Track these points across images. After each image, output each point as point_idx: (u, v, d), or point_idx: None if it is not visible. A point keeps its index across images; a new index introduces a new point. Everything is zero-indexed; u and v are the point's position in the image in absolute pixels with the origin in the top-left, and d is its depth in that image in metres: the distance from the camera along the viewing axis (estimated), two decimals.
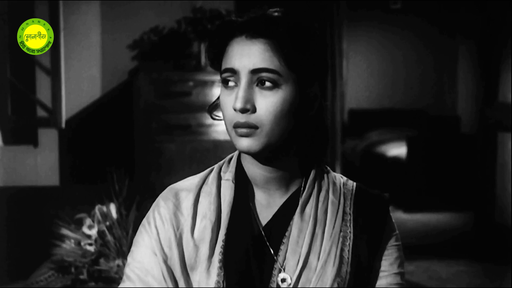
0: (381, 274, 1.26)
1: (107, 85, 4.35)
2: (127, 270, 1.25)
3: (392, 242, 1.28)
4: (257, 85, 1.19)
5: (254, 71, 1.18)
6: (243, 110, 1.18)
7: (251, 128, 1.18)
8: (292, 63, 1.18)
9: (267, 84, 1.18)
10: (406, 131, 7.86)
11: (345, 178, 1.32)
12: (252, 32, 1.19)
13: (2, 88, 3.77)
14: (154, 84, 4.08)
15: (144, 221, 1.27)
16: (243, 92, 1.18)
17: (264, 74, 1.18)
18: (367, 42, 8.49)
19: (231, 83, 1.21)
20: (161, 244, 1.23)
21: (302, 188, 1.26)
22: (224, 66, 1.21)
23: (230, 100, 1.20)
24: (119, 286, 1.25)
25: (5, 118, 3.78)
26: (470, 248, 5.31)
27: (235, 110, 1.18)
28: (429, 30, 8.43)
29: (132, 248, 1.27)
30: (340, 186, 1.29)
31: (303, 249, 1.22)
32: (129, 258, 1.26)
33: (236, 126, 1.19)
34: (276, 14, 1.21)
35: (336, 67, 4.76)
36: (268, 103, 1.18)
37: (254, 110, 1.18)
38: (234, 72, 1.19)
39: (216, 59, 1.24)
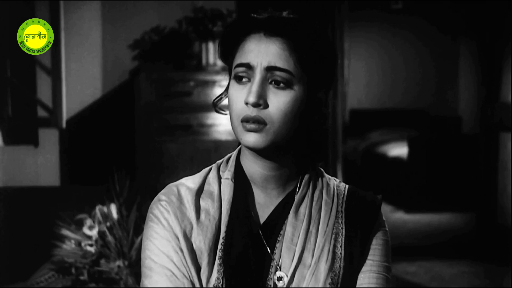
0: (366, 262, 1.27)
1: (108, 85, 4.35)
2: (147, 263, 1.23)
3: (380, 235, 1.29)
4: (270, 83, 1.21)
5: (269, 69, 1.21)
6: (256, 105, 1.20)
7: (260, 124, 1.21)
8: (307, 66, 1.22)
9: (281, 84, 1.21)
10: (407, 131, 7.86)
11: (338, 180, 1.35)
12: (271, 30, 1.21)
13: (2, 88, 3.76)
14: (155, 84, 4.08)
15: (151, 216, 1.26)
16: (257, 87, 1.20)
17: (278, 73, 1.21)
18: (369, 42, 8.48)
19: (244, 79, 1.22)
20: (174, 234, 1.23)
21: (297, 188, 1.29)
22: (239, 61, 1.23)
23: (242, 94, 1.22)
24: (145, 282, 1.23)
25: (5, 118, 3.77)
26: (471, 249, 5.31)
27: (246, 104, 1.21)
28: (430, 30, 8.42)
29: (145, 244, 1.26)
30: (333, 187, 1.32)
31: (297, 246, 1.24)
32: (144, 254, 1.25)
33: (245, 120, 1.21)
34: (293, 16, 1.24)
35: (337, 67, 4.75)
36: (280, 101, 1.21)
37: (265, 106, 1.21)
38: (249, 67, 1.22)
39: (229, 53, 1.26)
